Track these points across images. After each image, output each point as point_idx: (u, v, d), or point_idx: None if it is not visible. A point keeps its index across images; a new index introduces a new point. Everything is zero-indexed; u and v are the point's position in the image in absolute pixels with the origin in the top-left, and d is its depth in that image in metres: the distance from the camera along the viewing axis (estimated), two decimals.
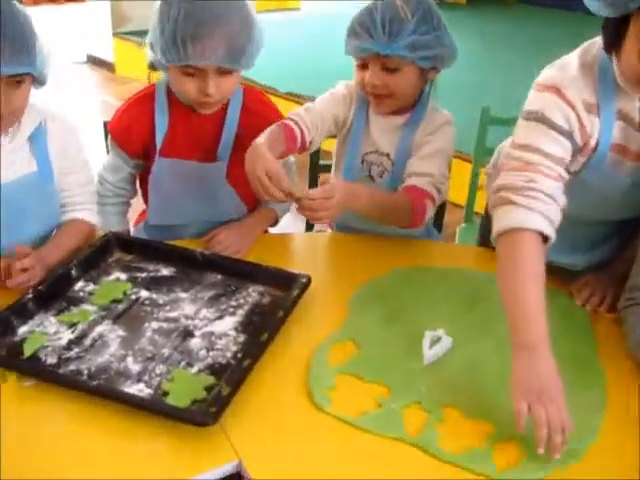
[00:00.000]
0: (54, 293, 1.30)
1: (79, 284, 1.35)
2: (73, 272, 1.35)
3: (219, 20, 1.36)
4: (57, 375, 1.12)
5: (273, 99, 1.73)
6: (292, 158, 1.67)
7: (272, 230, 1.70)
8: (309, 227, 1.98)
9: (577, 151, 1.28)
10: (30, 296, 1.25)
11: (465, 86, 3.67)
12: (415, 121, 1.57)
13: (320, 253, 1.55)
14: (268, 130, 1.42)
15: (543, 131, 1.24)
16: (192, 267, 1.41)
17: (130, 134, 1.57)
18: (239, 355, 1.17)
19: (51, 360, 1.15)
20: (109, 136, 1.61)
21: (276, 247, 1.60)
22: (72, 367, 1.13)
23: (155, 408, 1.05)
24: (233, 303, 1.32)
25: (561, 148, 1.24)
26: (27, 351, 1.16)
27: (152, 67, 1.49)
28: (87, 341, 1.19)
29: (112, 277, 1.38)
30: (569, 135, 1.24)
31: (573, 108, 1.24)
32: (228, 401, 1.04)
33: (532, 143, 1.24)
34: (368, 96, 1.56)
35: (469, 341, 1.27)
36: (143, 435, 1.03)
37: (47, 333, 1.21)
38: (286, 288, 1.32)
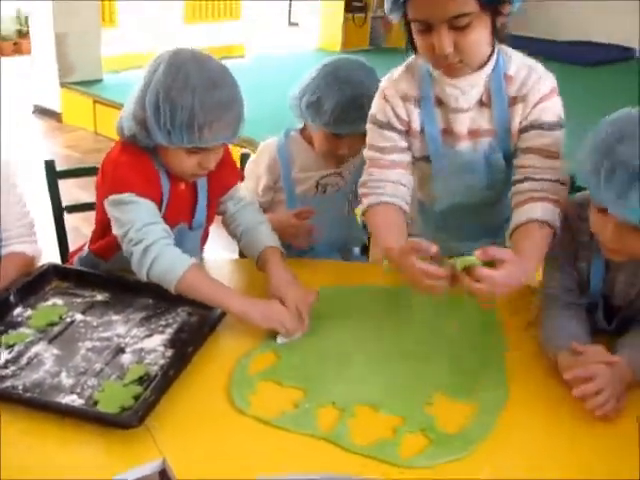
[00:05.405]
0: None
1: (17, 310, 1.42)
2: (11, 299, 1.43)
3: (231, 103, 1.41)
4: None
5: None
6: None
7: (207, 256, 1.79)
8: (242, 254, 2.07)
9: (404, 135, 1.51)
10: None
11: None
12: None
13: (247, 277, 1.64)
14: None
15: (374, 130, 1.52)
16: (125, 292, 1.50)
17: (151, 185, 1.48)
18: (165, 367, 1.26)
19: None
20: (125, 195, 1.42)
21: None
22: (7, 384, 1.21)
23: (84, 414, 1.14)
24: (162, 323, 1.42)
25: (386, 139, 1.50)
26: None
27: (132, 139, 1.45)
28: (23, 360, 1.27)
29: (49, 302, 1.46)
30: (388, 126, 1.50)
31: (387, 101, 1.49)
32: (153, 405, 1.13)
33: (369, 141, 1.54)
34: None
35: (377, 349, 1.39)
36: (75, 441, 1.11)
37: None
38: (212, 307, 1.42)
